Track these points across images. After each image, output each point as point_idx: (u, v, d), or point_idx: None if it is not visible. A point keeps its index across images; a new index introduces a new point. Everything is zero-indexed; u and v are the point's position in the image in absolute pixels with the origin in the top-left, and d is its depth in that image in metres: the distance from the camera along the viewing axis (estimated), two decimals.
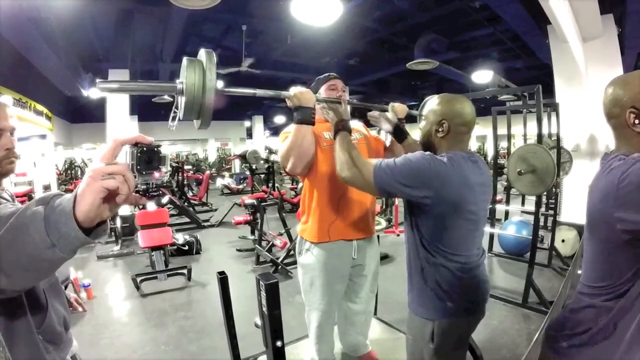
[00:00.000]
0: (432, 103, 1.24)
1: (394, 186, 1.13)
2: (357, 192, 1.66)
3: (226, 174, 12.17)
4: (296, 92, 1.41)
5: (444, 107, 1.20)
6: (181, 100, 0.87)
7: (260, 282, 1.33)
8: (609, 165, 0.83)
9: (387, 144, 1.82)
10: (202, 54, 0.93)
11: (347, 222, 1.65)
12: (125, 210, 5.16)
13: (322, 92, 1.68)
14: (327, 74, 1.72)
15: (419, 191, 1.11)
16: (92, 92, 6.55)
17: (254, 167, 8.77)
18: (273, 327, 1.34)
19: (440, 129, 1.19)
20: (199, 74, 0.86)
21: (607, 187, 0.79)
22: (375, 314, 2.32)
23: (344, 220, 1.64)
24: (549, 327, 0.99)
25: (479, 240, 1.24)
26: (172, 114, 0.93)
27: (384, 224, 5.58)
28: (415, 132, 1.49)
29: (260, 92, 1.31)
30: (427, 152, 1.16)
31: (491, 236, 4.05)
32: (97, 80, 0.77)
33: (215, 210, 7.43)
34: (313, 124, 1.47)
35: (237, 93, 1.25)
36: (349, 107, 1.54)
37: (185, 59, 0.91)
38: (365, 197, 1.71)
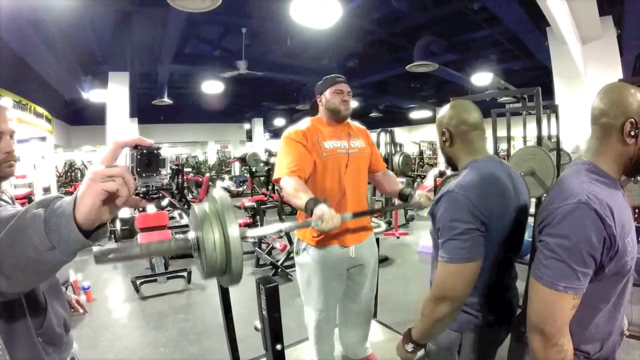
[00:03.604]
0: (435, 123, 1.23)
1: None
2: (354, 198, 1.68)
3: (226, 176, 12.13)
4: (327, 226, 1.25)
5: (440, 118, 1.19)
6: (201, 257, 0.69)
7: (260, 285, 1.33)
8: (566, 177, 0.88)
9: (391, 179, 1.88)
10: (216, 197, 0.71)
11: (344, 227, 1.64)
12: (124, 212, 5.15)
13: (328, 94, 1.70)
14: (334, 75, 1.73)
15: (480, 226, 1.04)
16: (91, 95, 6.55)
17: (253, 169, 8.76)
18: (273, 330, 1.33)
19: (444, 139, 1.18)
20: (217, 227, 0.68)
21: (547, 201, 0.85)
22: (375, 316, 2.32)
23: (341, 226, 1.65)
24: (515, 324, 1.05)
25: (513, 251, 1.14)
26: (200, 267, 0.71)
27: (383, 226, 5.53)
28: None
29: (285, 226, 1.22)
30: (448, 198, 1.05)
31: None
32: (94, 252, 0.55)
33: None
34: None
35: (263, 236, 1.07)
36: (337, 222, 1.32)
37: (195, 208, 0.70)
38: (362, 202, 1.74)
